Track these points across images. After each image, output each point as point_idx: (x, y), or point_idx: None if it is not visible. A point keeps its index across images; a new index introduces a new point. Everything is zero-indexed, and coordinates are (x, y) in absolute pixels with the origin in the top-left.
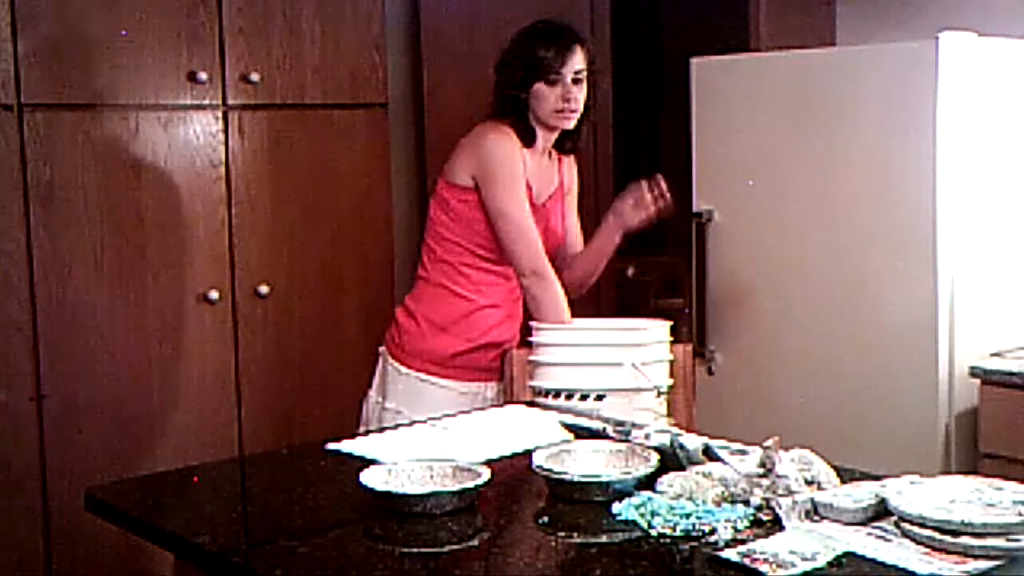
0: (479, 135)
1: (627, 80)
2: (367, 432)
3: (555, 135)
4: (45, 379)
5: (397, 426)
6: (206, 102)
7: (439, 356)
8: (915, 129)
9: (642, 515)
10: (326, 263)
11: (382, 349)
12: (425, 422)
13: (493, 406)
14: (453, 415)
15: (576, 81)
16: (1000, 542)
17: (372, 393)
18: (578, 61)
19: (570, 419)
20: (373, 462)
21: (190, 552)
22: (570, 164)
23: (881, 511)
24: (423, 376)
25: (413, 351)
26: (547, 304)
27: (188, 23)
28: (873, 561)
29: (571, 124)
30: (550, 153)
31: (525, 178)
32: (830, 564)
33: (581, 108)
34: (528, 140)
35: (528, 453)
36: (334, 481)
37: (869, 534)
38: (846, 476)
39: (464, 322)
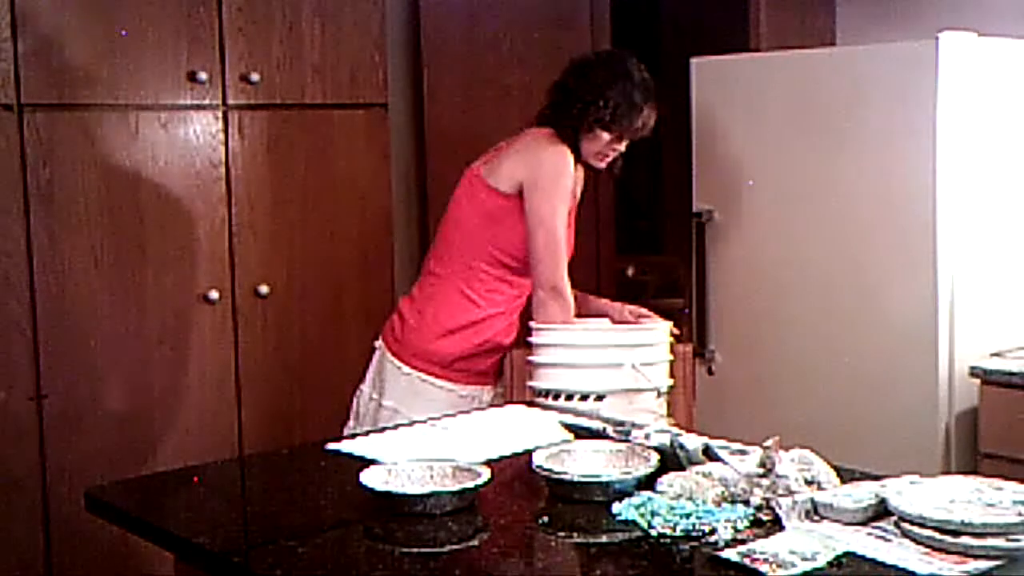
0: (537, 145)
1: None
2: (367, 431)
3: None
4: (45, 379)
5: (397, 426)
6: (206, 102)
7: (442, 357)
8: (915, 129)
9: (642, 515)
10: (326, 263)
11: (379, 344)
12: (425, 422)
13: (492, 406)
14: (453, 415)
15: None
16: (1000, 542)
17: (365, 388)
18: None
19: (570, 419)
20: (373, 462)
21: (190, 552)
22: (580, 174)
23: (881, 511)
24: (424, 376)
25: (417, 351)
26: (556, 321)
27: (188, 23)
28: (873, 561)
29: (602, 167)
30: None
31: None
32: (830, 564)
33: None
34: (576, 158)
35: (528, 453)
36: (334, 481)
37: (869, 534)
38: (846, 476)
39: (472, 328)
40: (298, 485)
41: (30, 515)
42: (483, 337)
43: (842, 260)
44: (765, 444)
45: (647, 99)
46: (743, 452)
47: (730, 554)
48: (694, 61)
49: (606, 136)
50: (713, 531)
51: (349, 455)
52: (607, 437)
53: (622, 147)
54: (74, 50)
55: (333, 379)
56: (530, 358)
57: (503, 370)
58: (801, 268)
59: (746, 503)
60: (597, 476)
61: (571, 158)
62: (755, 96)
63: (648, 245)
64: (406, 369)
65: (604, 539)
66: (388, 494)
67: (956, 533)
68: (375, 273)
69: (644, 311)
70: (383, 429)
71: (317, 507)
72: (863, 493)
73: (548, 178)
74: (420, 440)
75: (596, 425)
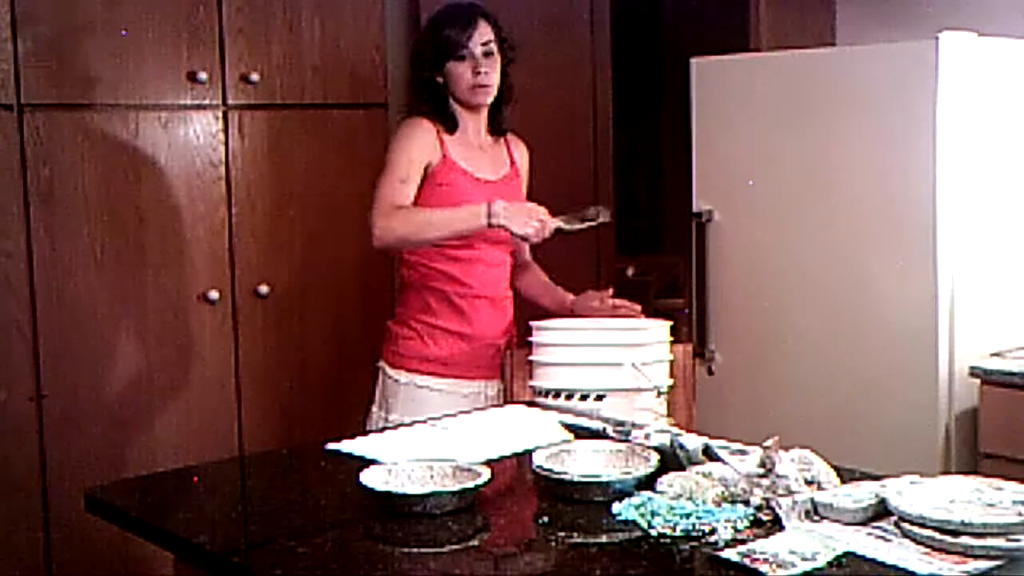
0: None
1: (627, 80)
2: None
3: (482, 115)
4: (45, 379)
5: (397, 426)
6: (206, 102)
7: (435, 355)
8: (915, 129)
9: (642, 515)
10: (326, 263)
11: (380, 364)
12: (425, 422)
13: (493, 405)
14: (453, 415)
15: (486, 54)
16: (1000, 542)
17: (375, 409)
18: (484, 34)
19: (570, 419)
20: (373, 462)
21: (190, 552)
22: (520, 149)
23: (881, 511)
24: (418, 380)
25: (409, 353)
26: (401, 228)
27: (188, 23)
28: (873, 561)
29: (487, 99)
30: (493, 137)
31: (439, 155)
32: (830, 564)
33: (495, 82)
34: (450, 126)
35: (528, 453)
36: (334, 481)
37: (869, 534)
38: (846, 476)
39: (451, 316)
40: (298, 485)
41: (30, 515)
42: (465, 319)
43: (842, 260)
44: (765, 444)
45: (471, 14)
46: (743, 452)
47: (730, 554)
48: (694, 61)
49: (457, 65)
50: (713, 531)
51: (349, 455)
52: (607, 437)
53: (486, 70)
54: (74, 50)
55: (333, 379)
56: (530, 357)
57: (504, 369)
58: (801, 268)
59: (746, 503)
60: (597, 476)
61: (414, 122)
62: (755, 96)
63: (648, 245)
64: (404, 378)
65: (604, 539)
66: (388, 494)
67: (956, 533)
68: (375, 273)
69: (617, 302)
70: (383, 429)
71: (317, 507)
72: (863, 493)
73: (389, 146)
74: (420, 440)
75: (596, 425)
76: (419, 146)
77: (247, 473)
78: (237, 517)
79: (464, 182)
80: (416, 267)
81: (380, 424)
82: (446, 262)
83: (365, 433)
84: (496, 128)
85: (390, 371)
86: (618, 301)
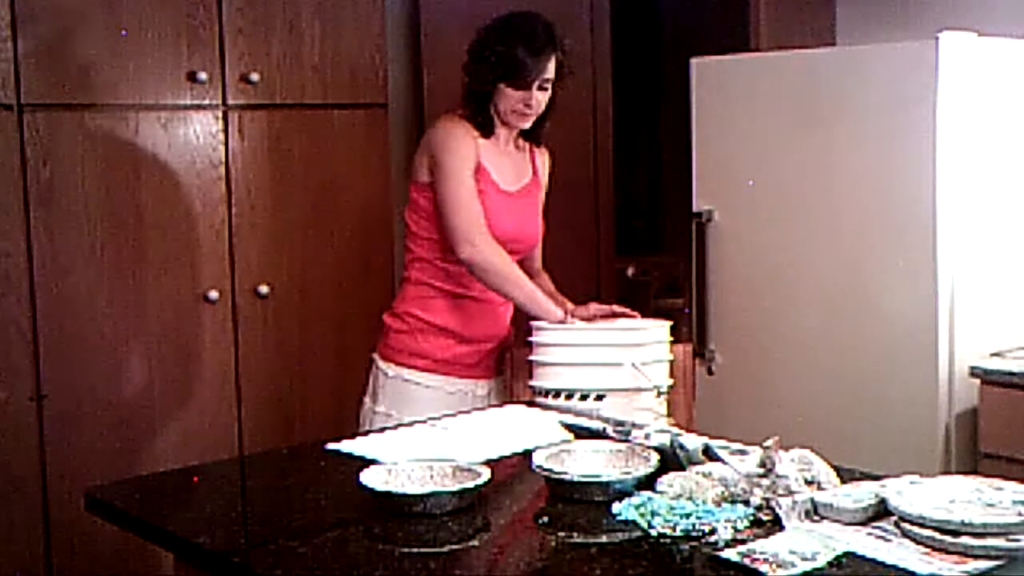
0: (431, 127)
1: (627, 80)
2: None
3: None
4: (45, 379)
5: (397, 426)
6: (206, 102)
7: (426, 351)
8: (915, 129)
9: (642, 515)
10: (326, 263)
11: (374, 355)
12: (425, 422)
13: (491, 405)
14: (453, 415)
15: (541, 88)
16: (1000, 542)
17: (366, 400)
18: (548, 70)
19: (570, 419)
20: (373, 462)
21: (190, 552)
22: (544, 158)
23: (881, 511)
24: (406, 374)
25: (400, 347)
26: (498, 268)
27: (188, 23)
28: (873, 561)
29: (527, 125)
30: (518, 143)
31: (477, 160)
32: (830, 564)
33: (541, 111)
34: (486, 131)
35: (528, 453)
36: (334, 481)
37: (869, 534)
38: (846, 476)
39: (448, 315)
40: (298, 485)
41: (30, 515)
42: (462, 324)
43: (842, 260)
44: (765, 444)
45: (549, 47)
46: (743, 452)
47: (730, 554)
48: (694, 61)
49: (511, 91)
50: (713, 531)
51: (349, 455)
52: (607, 437)
53: (538, 101)
54: (74, 50)
55: (333, 379)
56: (531, 357)
57: (503, 368)
58: (801, 268)
59: (746, 503)
60: (597, 476)
61: (461, 123)
62: (755, 96)
63: (648, 245)
64: (392, 372)
65: (604, 539)
66: (388, 494)
67: (956, 533)
68: (375, 273)
69: (616, 308)
70: (382, 429)
71: (317, 507)
72: (863, 493)
73: (438, 147)
74: (420, 440)
75: (596, 425)
76: (472, 153)
77: (247, 473)
78: (237, 517)
79: (491, 192)
80: (419, 263)
81: (370, 415)
82: (450, 261)
83: (358, 424)
84: (532, 137)
85: (381, 363)
86: (618, 308)
